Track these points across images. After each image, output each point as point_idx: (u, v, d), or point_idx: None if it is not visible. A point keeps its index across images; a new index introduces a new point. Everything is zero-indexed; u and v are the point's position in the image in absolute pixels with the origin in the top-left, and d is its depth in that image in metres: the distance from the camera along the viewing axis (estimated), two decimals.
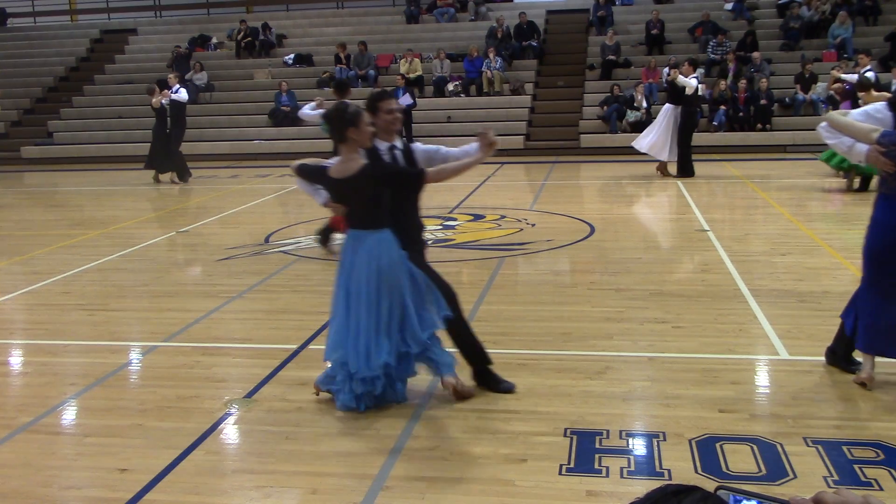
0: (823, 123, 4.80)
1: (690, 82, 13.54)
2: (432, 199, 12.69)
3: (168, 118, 15.09)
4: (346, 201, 4.49)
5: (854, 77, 12.84)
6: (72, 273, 8.27)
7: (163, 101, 14.87)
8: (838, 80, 13.69)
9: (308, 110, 9.53)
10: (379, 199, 4.41)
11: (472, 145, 4.66)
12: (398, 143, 4.75)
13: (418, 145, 4.87)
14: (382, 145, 4.62)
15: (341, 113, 4.37)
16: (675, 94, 13.89)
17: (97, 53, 25.25)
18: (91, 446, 4.28)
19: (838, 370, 4.90)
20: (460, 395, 4.60)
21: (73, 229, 10.97)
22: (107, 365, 5.52)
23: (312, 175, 4.67)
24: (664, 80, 13.90)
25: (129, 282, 7.92)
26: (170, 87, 15.06)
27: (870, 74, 12.71)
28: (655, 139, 13.75)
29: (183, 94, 15.14)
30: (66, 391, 5.09)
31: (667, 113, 13.82)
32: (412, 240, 4.66)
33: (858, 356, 4.79)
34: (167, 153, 15.20)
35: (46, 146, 21.39)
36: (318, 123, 8.80)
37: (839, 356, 4.91)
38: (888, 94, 11.55)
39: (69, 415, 4.78)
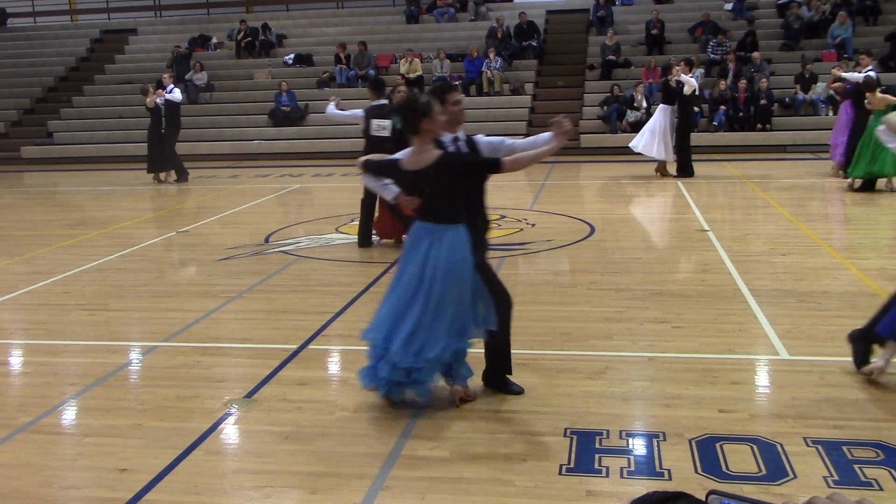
0: (882, 127, 4.83)
1: (692, 81, 13.56)
2: None
3: (163, 118, 15.12)
4: (421, 193, 4.39)
5: (855, 76, 12.83)
6: (72, 273, 8.27)
7: (157, 101, 14.90)
8: (839, 79, 13.68)
9: (335, 110, 9.36)
10: (455, 191, 4.35)
11: (544, 135, 4.66)
12: (461, 134, 4.68)
13: (481, 137, 4.80)
14: (447, 137, 4.55)
15: (414, 104, 4.29)
16: (669, 94, 13.90)
17: (97, 53, 25.26)
18: (91, 446, 4.28)
19: (836, 370, 4.90)
20: (465, 401, 4.60)
21: (73, 229, 10.97)
22: (107, 365, 5.52)
23: (382, 169, 4.58)
24: (669, 80, 13.87)
25: (129, 282, 7.91)
26: (164, 87, 15.08)
27: (871, 74, 12.71)
28: (649, 139, 13.77)
29: (177, 94, 15.16)
30: (66, 391, 5.09)
31: (661, 113, 13.83)
32: (478, 238, 4.59)
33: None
34: (163, 153, 15.23)
35: (46, 146, 21.39)
36: (349, 123, 8.68)
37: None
38: (891, 97, 11.58)
39: (69, 415, 4.78)
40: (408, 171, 4.35)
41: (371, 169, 4.62)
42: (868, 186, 11.80)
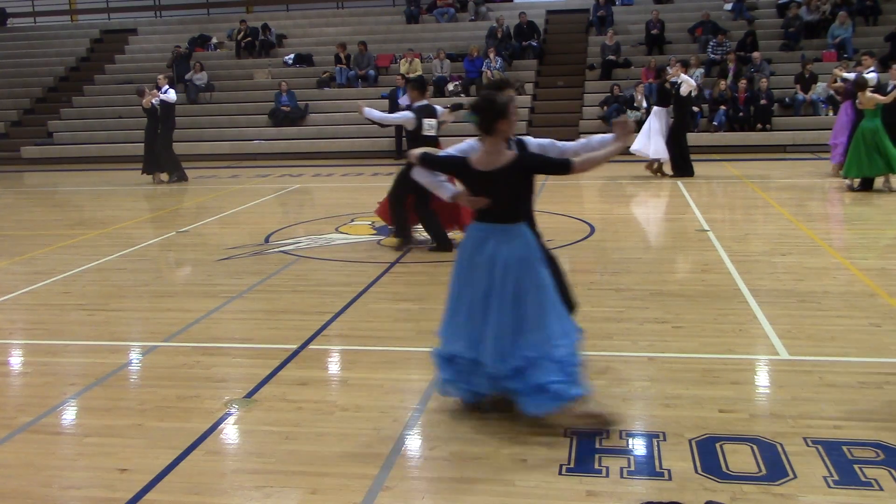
0: None
1: (692, 81, 13.57)
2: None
3: (158, 118, 15.17)
4: (490, 194, 4.18)
5: (854, 76, 12.84)
6: (72, 273, 8.27)
7: (153, 102, 14.96)
8: (842, 79, 13.67)
9: (377, 112, 9.10)
10: (525, 192, 4.27)
11: (602, 136, 4.62)
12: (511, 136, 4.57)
13: (530, 139, 4.73)
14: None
15: (493, 104, 4.15)
16: (664, 96, 13.91)
17: (97, 53, 25.28)
18: (91, 446, 4.28)
19: (836, 370, 4.90)
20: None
21: (73, 229, 10.97)
22: (107, 365, 5.53)
23: (447, 166, 4.42)
24: (667, 80, 13.88)
25: (129, 282, 7.92)
26: (159, 88, 15.13)
27: (872, 75, 12.71)
28: (644, 140, 13.80)
29: (172, 95, 15.23)
30: (66, 391, 5.09)
31: (655, 116, 13.86)
32: (535, 236, 4.51)
33: None
34: (160, 153, 15.28)
35: (46, 146, 21.41)
36: (393, 124, 8.58)
37: None
38: (879, 97, 11.58)
39: (69, 415, 4.78)
40: (479, 171, 4.16)
41: (431, 164, 4.43)
42: (867, 186, 11.80)
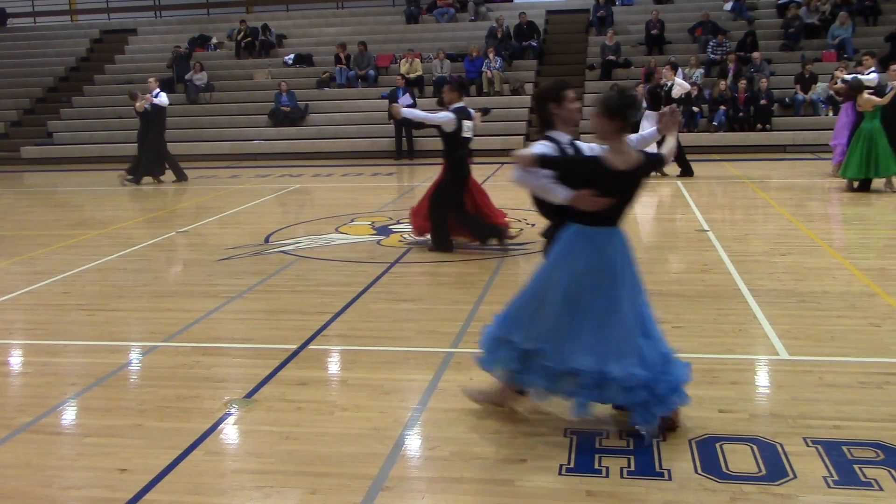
0: None
1: (685, 84, 13.58)
2: None
3: (149, 121, 15.29)
4: (620, 194, 3.98)
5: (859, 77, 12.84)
6: (72, 273, 8.27)
7: (146, 106, 15.05)
8: (842, 80, 13.67)
9: (417, 111, 8.87)
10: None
11: (645, 133, 4.56)
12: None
13: (581, 143, 4.58)
14: (564, 138, 4.31)
15: (634, 102, 4.00)
16: (654, 99, 13.90)
17: (97, 53, 25.28)
18: (91, 446, 4.28)
19: (836, 370, 4.90)
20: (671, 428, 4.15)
21: (73, 229, 10.97)
22: (107, 365, 5.52)
23: (577, 165, 4.13)
24: (660, 84, 13.89)
25: (129, 282, 7.92)
26: (150, 92, 15.20)
27: (874, 76, 12.71)
28: (637, 144, 13.79)
29: (163, 99, 15.35)
30: (65, 391, 5.09)
31: (647, 121, 13.86)
32: None
33: None
34: (153, 156, 15.32)
35: (46, 146, 21.41)
36: (434, 124, 8.41)
37: None
38: (876, 98, 11.59)
39: (69, 415, 4.78)
40: (615, 170, 3.94)
41: (553, 164, 4.07)
42: (866, 186, 11.80)
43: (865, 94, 11.69)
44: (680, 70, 18.91)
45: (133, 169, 15.48)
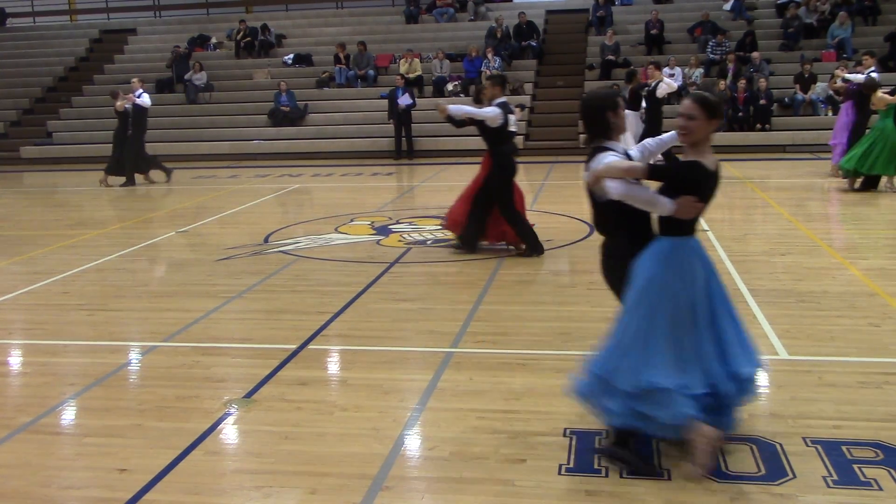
0: None
1: (673, 84, 13.54)
2: (433, 199, 12.69)
3: (130, 122, 15.31)
4: (708, 199, 3.80)
5: (858, 77, 12.83)
6: (71, 273, 8.26)
7: (126, 106, 15.06)
8: (843, 79, 13.66)
9: (468, 107, 8.51)
10: None
11: (662, 137, 4.46)
12: None
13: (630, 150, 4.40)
14: (619, 147, 4.07)
15: (721, 105, 3.87)
16: (634, 100, 13.88)
17: (96, 53, 25.27)
18: (90, 446, 4.28)
19: (836, 370, 4.90)
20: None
21: (72, 229, 10.97)
22: (106, 365, 5.52)
23: (689, 171, 3.78)
24: (649, 85, 13.88)
25: (128, 282, 7.91)
26: (133, 92, 15.21)
27: (873, 75, 12.72)
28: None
29: (146, 100, 15.34)
30: (65, 391, 5.09)
31: (629, 121, 13.88)
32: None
33: None
34: (133, 156, 15.32)
35: (46, 146, 21.39)
36: (481, 119, 8.22)
37: None
38: (890, 97, 11.59)
39: (68, 415, 4.78)
40: (711, 173, 3.78)
41: (660, 175, 3.82)
42: (869, 186, 11.79)
43: (880, 93, 11.72)
44: (674, 70, 18.94)
45: (111, 169, 15.44)
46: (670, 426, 3.67)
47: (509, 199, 8.27)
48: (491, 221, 8.43)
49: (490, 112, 8.08)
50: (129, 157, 15.39)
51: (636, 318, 3.76)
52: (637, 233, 3.96)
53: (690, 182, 3.76)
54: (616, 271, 4.06)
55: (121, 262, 8.82)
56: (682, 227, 3.81)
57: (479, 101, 8.54)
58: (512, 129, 8.34)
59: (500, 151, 8.27)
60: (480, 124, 8.22)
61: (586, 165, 4.03)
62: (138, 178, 15.58)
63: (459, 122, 8.37)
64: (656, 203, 3.78)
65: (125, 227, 11.03)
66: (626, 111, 13.96)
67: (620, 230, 4.05)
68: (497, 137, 8.24)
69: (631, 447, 3.84)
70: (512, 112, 8.35)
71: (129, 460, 4.06)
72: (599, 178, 3.87)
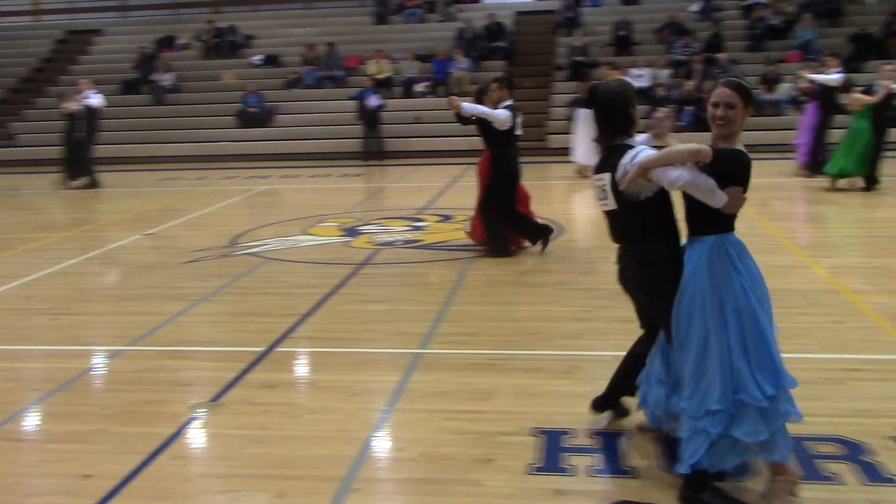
0: None
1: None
2: (402, 200, 12.68)
3: (80, 123, 15.13)
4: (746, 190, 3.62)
5: (824, 78, 12.96)
6: (35, 277, 8.15)
7: (77, 107, 14.95)
8: (808, 80, 13.81)
9: (482, 107, 8.25)
10: None
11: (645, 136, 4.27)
12: None
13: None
14: (637, 144, 3.98)
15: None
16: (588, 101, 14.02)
17: (61, 54, 24.92)
18: (54, 452, 4.22)
19: (799, 367, 4.96)
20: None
21: (35, 232, 10.82)
22: (70, 370, 5.45)
23: (735, 160, 3.67)
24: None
25: (93, 285, 7.82)
26: (81, 93, 15.11)
27: (838, 76, 12.88)
28: (586, 147, 13.96)
29: (95, 101, 15.20)
30: (28, 397, 5.02)
31: (581, 120, 14.08)
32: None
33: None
34: (78, 158, 15.19)
35: (8, 148, 21.07)
36: (492, 119, 8.11)
37: None
38: (866, 97, 11.75)
39: (32, 421, 4.72)
40: (750, 163, 3.64)
41: (725, 162, 3.65)
42: (871, 184, 11.77)
43: (855, 94, 11.87)
44: (642, 71, 19.09)
45: (73, 172, 15.27)
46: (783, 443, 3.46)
47: (511, 201, 8.32)
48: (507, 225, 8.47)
49: (501, 115, 8.09)
50: (86, 157, 15.19)
51: (726, 335, 3.47)
52: (672, 235, 3.76)
53: (740, 172, 3.56)
54: (650, 277, 3.78)
55: (85, 265, 8.71)
56: (727, 222, 3.59)
57: (479, 103, 8.55)
58: (518, 132, 8.36)
59: (504, 154, 8.29)
60: (485, 126, 8.22)
61: (603, 167, 3.79)
62: (78, 181, 15.34)
63: (466, 120, 8.37)
64: (716, 193, 3.52)
65: (90, 230, 10.90)
66: (580, 110, 14.18)
67: (656, 233, 3.77)
68: (503, 140, 8.26)
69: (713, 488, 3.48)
70: (519, 115, 8.36)
71: (94, 466, 4.01)
72: (649, 171, 3.57)
